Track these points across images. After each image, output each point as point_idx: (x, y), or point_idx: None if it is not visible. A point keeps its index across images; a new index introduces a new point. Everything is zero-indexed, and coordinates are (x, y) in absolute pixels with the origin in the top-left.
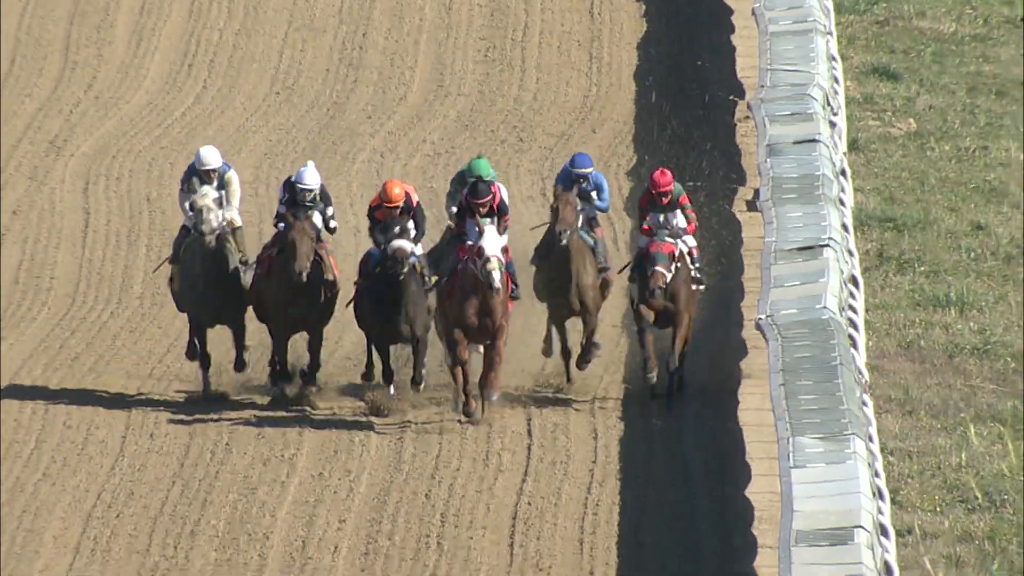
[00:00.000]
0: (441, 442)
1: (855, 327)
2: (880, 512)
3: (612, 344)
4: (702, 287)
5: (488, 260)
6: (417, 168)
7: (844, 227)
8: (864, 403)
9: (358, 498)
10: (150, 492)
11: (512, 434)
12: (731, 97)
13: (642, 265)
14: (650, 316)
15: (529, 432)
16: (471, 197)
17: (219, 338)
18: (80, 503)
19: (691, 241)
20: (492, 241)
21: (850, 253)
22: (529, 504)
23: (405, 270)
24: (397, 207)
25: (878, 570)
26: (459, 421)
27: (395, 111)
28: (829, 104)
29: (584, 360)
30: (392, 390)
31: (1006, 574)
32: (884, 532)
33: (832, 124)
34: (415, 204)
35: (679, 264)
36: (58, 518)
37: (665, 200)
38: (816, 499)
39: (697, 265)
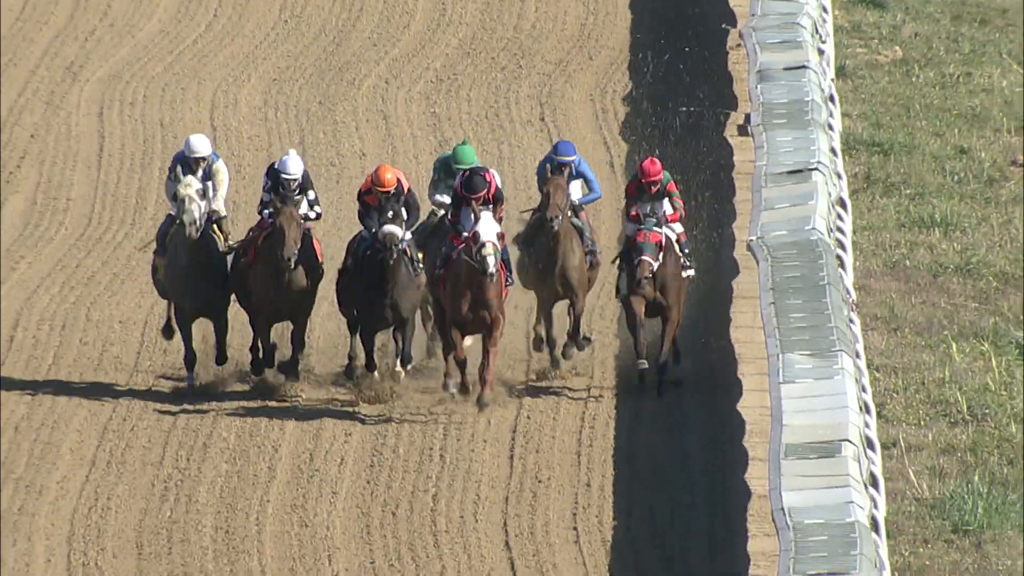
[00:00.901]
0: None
1: (843, 248)
2: (866, 426)
3: (606, 270)
4: (691, 273)
5: (484, 245)
6: (420, 94)
7: (832, 151)
8: (851, 321)
9: (363, 413)
10: (164, 406)
11: (511, 351)
12: (723, 25)
13: (630, 254)
14: (640, 308)
15: (528, 349)
16: (466, 192)
17: (199, 334)
18: (96, 416)
19: (678, 228)
20: (488, 227)
21: (838, 176)
22: (528, 418)
23: (395, 256)
24: (388, 192)
25: (864, 481)
26: (451, 395)
27: (399, 39)
28: (818, 32)
29: (572, 346)
30: (376, 376)
31: (987, 485)
32: (870, 445)
33: (821, 51)
34: (406, 190)
35: (666, 252)
36: (75, 431)
37: (654, 189)
38: (805, 413)
39: (686, 252)
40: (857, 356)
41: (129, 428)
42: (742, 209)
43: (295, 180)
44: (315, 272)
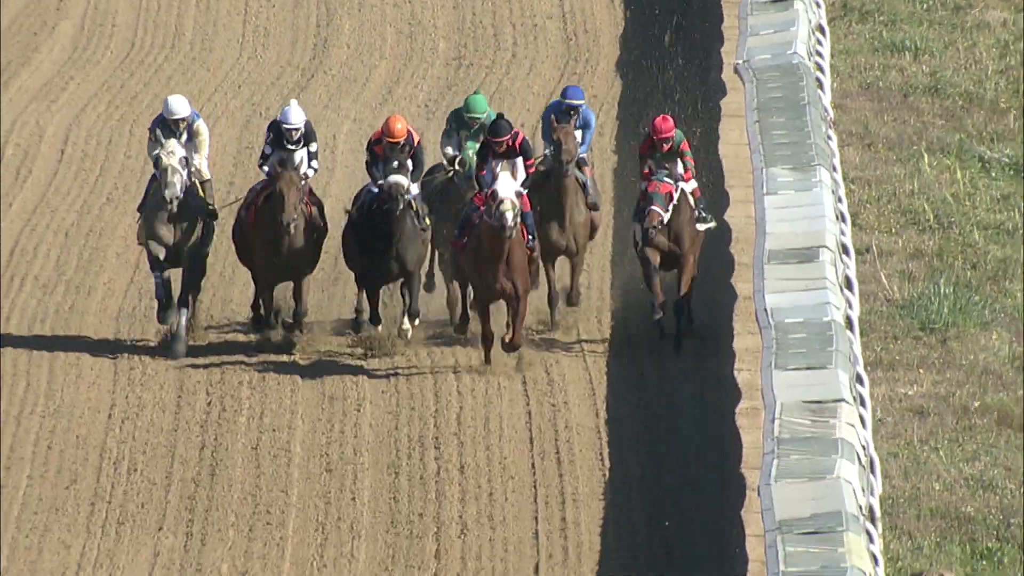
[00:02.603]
0: None
1: (821, 70)
2: (842, 233)
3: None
4: (710, 226)
5: (502, 202)
6: None
7: None
8: (829, 137)
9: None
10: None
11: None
12: None
13: (642, 206)
14: (655, 258)
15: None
16: (490, 135)
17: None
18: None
19: (693, 183)
20: (506, 184)
21: (817, 4)
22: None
23: (401, 206)
24: (398, 143)
25: (840, 284)
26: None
27: None
28: None
29: (571, 302)
30: (381, 330)
31: (952, 287)
32: (846, 251)
33: None
34: (416, 142)
35: (680, 203)
36: (120, 237)
37: (666, 147)
38: (786, 222)
39: (702, 205)
40: (834, 169)
41: None
42: (729, 35)
43: (297, 129)
44: (315, 232)
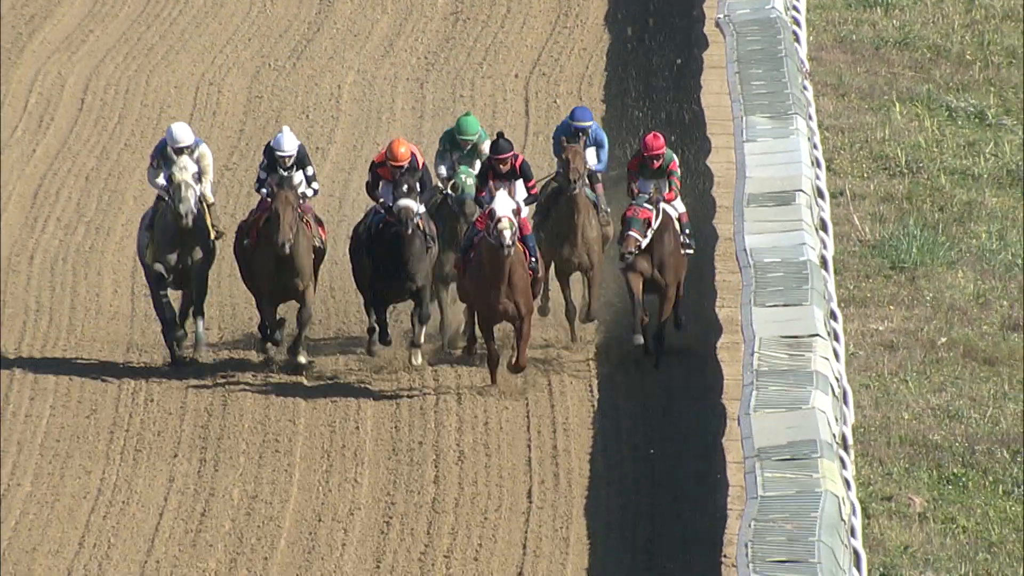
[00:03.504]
0: None
1: (798, 24)
2: (818, 178)
3: None
4: (690, 251)
5: (499, 220)
6: None
7: None
8: (805, 88)
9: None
10: (216, 150)
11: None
12: None
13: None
14: (637, 285)
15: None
16: (493, 154)
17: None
18: None
19: (680, 207)
20: (503, 203)
21: None
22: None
23: (410, 230)
24: (402, 166)
25: (815, 226)
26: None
27: None
28: None
29: (589, 317)
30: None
31: (920, 228)
32: (821, 194)
33: None
34: (420, 165)
35: (666, 230)
36: (137, 181)
37: (656, 164)
38: (765, 167)
39: (687, 231)
40: (810, 118)
41: None
42: None
43: (290, 157)
44: (316, 253)
